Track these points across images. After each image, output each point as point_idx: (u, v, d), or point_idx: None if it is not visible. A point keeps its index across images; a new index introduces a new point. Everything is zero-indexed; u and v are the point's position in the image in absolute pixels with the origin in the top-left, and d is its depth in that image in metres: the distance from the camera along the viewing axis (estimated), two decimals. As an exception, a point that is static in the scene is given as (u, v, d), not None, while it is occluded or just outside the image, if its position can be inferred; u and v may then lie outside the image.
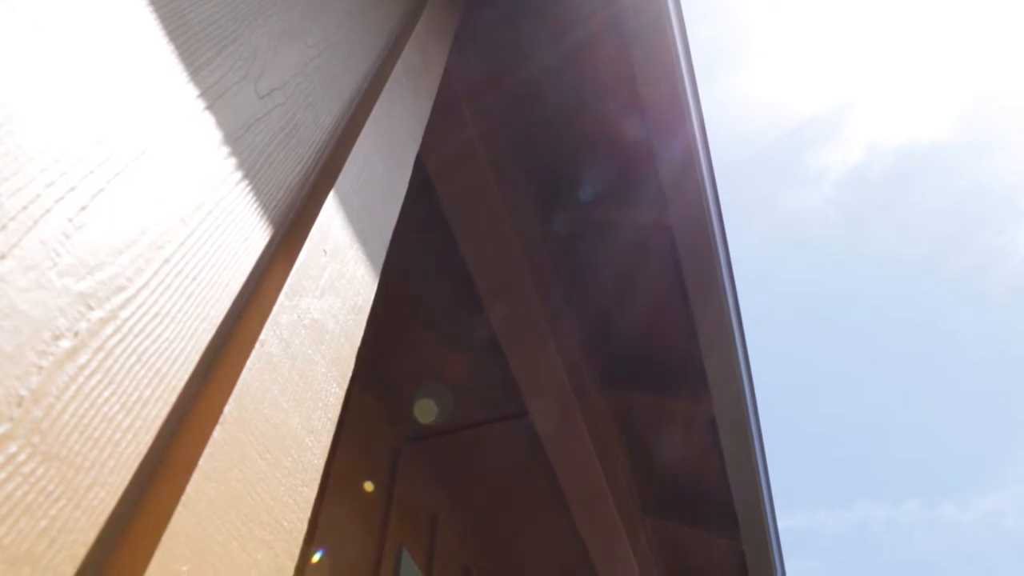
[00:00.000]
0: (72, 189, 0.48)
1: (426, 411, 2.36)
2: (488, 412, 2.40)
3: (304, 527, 0.53)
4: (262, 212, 0.69)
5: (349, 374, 0.66)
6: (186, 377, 0.52)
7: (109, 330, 0.47)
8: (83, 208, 0.48)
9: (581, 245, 2.19)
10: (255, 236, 0.67)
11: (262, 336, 0.56)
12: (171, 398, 0.50)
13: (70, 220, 0.47)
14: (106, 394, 0.45)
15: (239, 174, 0.68)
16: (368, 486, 2.19)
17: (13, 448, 0.38)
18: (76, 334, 0.44)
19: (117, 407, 0.46)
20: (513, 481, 2.58)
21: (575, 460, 2.27)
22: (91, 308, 0.46)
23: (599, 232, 2.15)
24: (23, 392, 0.40)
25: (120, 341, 0.47)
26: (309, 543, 1.82)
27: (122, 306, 0.48)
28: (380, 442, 2.35)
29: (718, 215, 2.08)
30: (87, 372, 0.44)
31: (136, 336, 0.49)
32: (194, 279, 0.56)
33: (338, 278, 0.72)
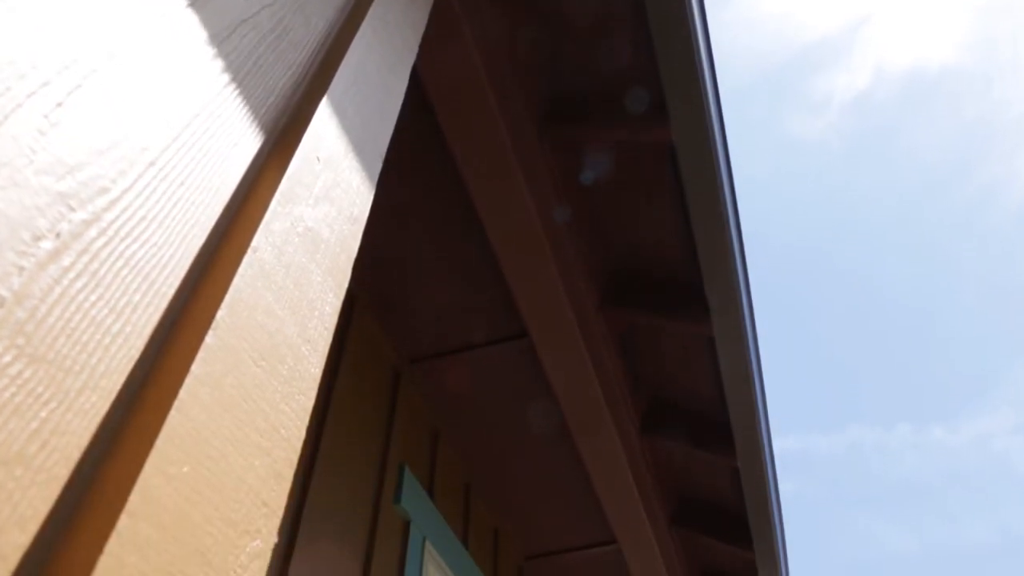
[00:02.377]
0: (46, 84, 0.45)
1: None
2: (488, 333, 2.41)
3: (302, 435, 0.53)
4: (252, 117, 0.66)
5: (346, 284, 0.65)
6: (177, 283, 0.50)
7: (93, 232, 0.45)
8: (59, 104, 0.46)
9: (582, 165, 2.15)
10: (245, 141, 0.64)
11: (254, 243, 0.55)
12: (162, 304, 0.48)
13: (45, 116, 0.44)
14: (92, 298, 0.43)
15: (226, 76, 0.65)
16: (369, 405, 2.22)
17: (-3, 349, 0.37)
18: (58, 235, 0.42)
19: (105, 311, 0.44)
20: (513, 402, 2.61)
21: (574, 380, 2.29)
22: (72, 209, 0.44)
23: (600, 151, 2.11)
24: (4, 293, 0.38)
25: (105, 244, 0.46)
26: (312, 460, 1.86)
27: (106, 208, 0.47)
28: (381, 363, 2.36)
29: (721, 133, 2.03)
30: (71, 275, 0.43)
31: (122, 240, 0.47)
32: (182, 183, 0.54)
33: (332, 186, 0.69)
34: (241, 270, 0.52)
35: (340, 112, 0.79)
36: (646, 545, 2.91)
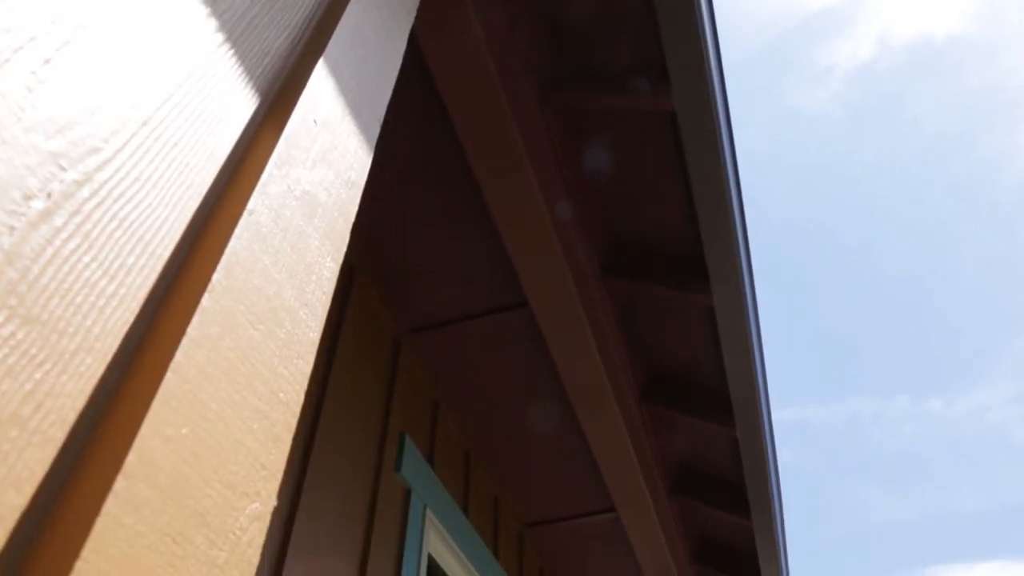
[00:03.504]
0: (32, 39, 0.44)
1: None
2: (488, 303, 2.40)
3: (301, 399, 0.52)
4: (247, 78, 0.65)
5: (344, 249, 0.64)
6: (172, 246, 0.50)
7: (85, 193, 0.44)
8: (47, 61, 0.44)
9: (582, 133, 2.12)
10: (241, 103, 0.63)
11: (250, 205, 0.54)
12: (157, 266, 0.48)
13: (33, 73, 0.43)
14: (86, 259, 0.43)
15: (220, 36, 0.63)
16: (369, 375, 2.23)
17: (-12, 309, 0.36)
18: (49, 195, 0.41)
19: (99, 273, 0.43)
20: (513, 371, 2.62)
21: (574, 350, 2.29)
22: (64, 169, 0.43)
23: (601, 119, 2.09)
24: (-5, 252, 0.38)
25: (98, 205, 0.45)
26: (312, 429, 1.86)
27: (98, 168, 0.46)
28: (381, 333, 2.36)
29: (724, 102, 2.01)
30: (64, 235, 0.42)
31: (115, 201, 0.46)
32: (176, 144, 0.53)
33: (330, 150, 0.68)
34: (237, 232, 0.52)
35: (337, 74, 0.77)
36: (645, 513, 2.94)
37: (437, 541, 2.50)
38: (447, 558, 2.60)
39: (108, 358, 0.42)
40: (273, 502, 0.46)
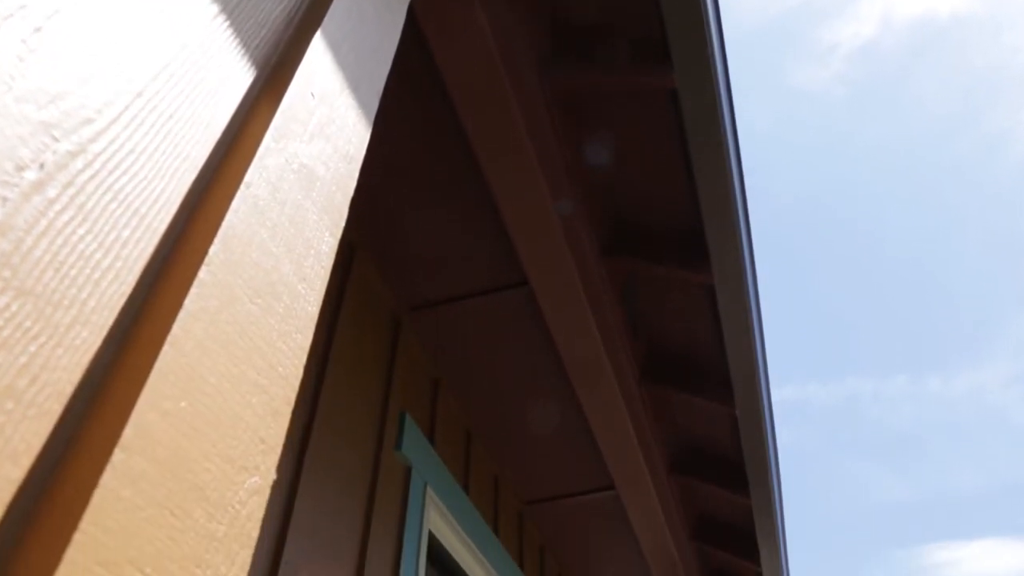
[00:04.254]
0: (23, 7, 0.43)
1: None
2: (488, 281, 2.40)
3: (299, 373, 0.52)
4: (243, 50, 0.64)
5: (342, 224, 0.64)
6: (168, 219, 0.49)
7: (79, 164, 0.43)
8: (38, 29, 0.44)
9: (583, 112, 2.11)
10: (237, 75, 0.62)
11: (247, 178, 0.53)
12: (153, 239, 0.47)
13: (23, 41, 0.42)
14: (81, 231, 0.42)
15: (215, 7, 0.62)
16: (369, 354, 2.23)
17: (-19, 281, 0.36)
18: (42, 166, 0.41)
19: (94, 246, 0.43)
20: (513, 350, 2.62)
21: (574, 329, 2.29)
22: (56, 140, 0.42)
23: (601, 97, 2.07)
24: (-13, 223, 0.37)
25: (92, 177, 0.44)
26: (313, 407, 1.87)
27: (92, 139, 0.45)
28: (381, 311, 2.36)
29: (725, 79, 1.99)
30: (57, 207, 0.41)
31: (110, 172, 0.46)
32: (171, 116, 0.53)
33: (327, 123, 0.67)
34: (234, 206, 0.51)
35: (334, 48, 0.76)
36: (644, 491, 2.96)
37: (438, 518, 2.51)
38: (448, 535, 2.62)
39: (104, 331, 0.42)
40: (272, 476, 0.46)
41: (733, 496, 3.25)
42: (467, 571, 2.81)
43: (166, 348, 0.41)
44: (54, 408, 0.38)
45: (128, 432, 0.37)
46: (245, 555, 0.42)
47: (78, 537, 0.33)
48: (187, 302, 0.43)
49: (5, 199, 0.38)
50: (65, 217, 0.41)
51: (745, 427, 2.78)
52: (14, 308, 0.37)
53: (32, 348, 0.37)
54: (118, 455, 0.36)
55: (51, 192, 0.41)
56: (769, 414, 2.92)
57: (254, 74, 0.65)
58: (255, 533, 0.44)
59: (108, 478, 0.35)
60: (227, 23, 0.63)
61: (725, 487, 3.22)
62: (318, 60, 0.72)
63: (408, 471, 2.30)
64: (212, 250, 0.47)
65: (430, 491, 2.41)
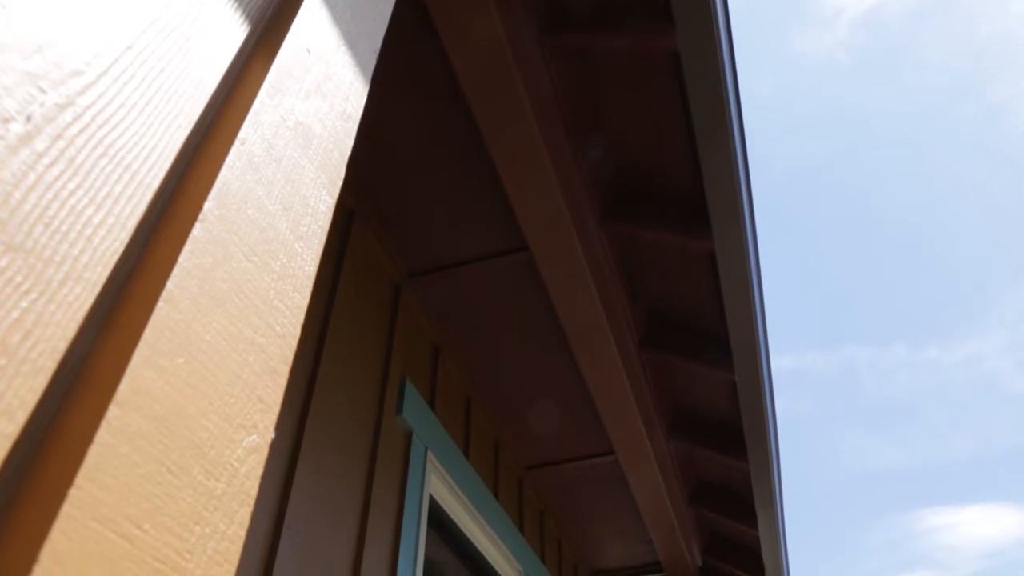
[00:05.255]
0: (7, -48, 0.42)
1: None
2: (488, 247, 2.39)
3: (297, 333, 0.51)
4: (237, 4, 0.63)
5: (340, 183, 0.63)
6: (162, 175, 0.48)
7: (68, 117, 0.42)
8: (23, -24, 0.42)
9: (583, 73, 2.08)
10: (231, 30, 0.60)
11: (242, 134, 0.52)
12: (146, 196, 0.46)
13: (8, -12, 0.41)
14: (71, 186, 0.41)
15: (206, -41, 0.61)
16: (368, 320, 2.23)
17: (-30, 235, 0.35)
18: (29, 118, 0.40)
19: (86, 201, 0.42)
20: (513, 316, 2.62)
21: (574, 295, 2.29)
22: (43, 91, 0.41)
23: (603, 59, 2.04)
24: (-26, 176, 0.36)
25: (82, 131, 0.43)
26: (313, 372, 1.87)
27: (80, 92, 0.44)
28: (380, 277, 2.35)
29: (728, 42, 1.96)
30: (46, 161, 0.40)
31: (100, 127, 0.44)
32: (163, 71, 0.51)
33: (324, 80, 0.66)
34: (229, 162, 0.50)
35: (331, 4, 0.74)
36: (643, 456, 2.98)
37: (438, 483, 2.54)
38: (448, 499, 2.64)
39: (98, 288, 0.41)
40: (271, 435, 0.46)
41: (731, 461, 3.28)
42: (468, 534, 2.84)
43: (160, 305, 0.41)
44: (48, 364, 0.37)
45: (123, 388, 0.37)
46: (244, 513, 0.42)
47: (74, 493, 0.33)
48: (181, 259, 0.43)
49: (-8, 151, 0.37)
50: (55, 171, 0.40)
51: (744, 393, 2.79)
52: (3, 263, 0.36)
53: (24, 304, 0.37)
54: (113, 411, 0.36)
55: (39, 145, 0.40)
56: (768, 380, 2.93)
57: (248, 29, 0.63)
58: (254, 491, 0.44)
59: (104, 434, 0.35)
60: (219, -24, 0.62)
61: (724, 452, 3.24)
62: (314, 16, 0.70)
63: (409, 436, 2.31)
64: (206, 207, 0.46)
65: (431, 456, 2.42)
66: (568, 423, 3.15)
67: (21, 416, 0.35)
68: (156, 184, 0.47)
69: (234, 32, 0.61)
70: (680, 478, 3.58)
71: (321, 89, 0.66)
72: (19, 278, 0.37)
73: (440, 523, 2.69)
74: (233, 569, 0.40)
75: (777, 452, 3.26)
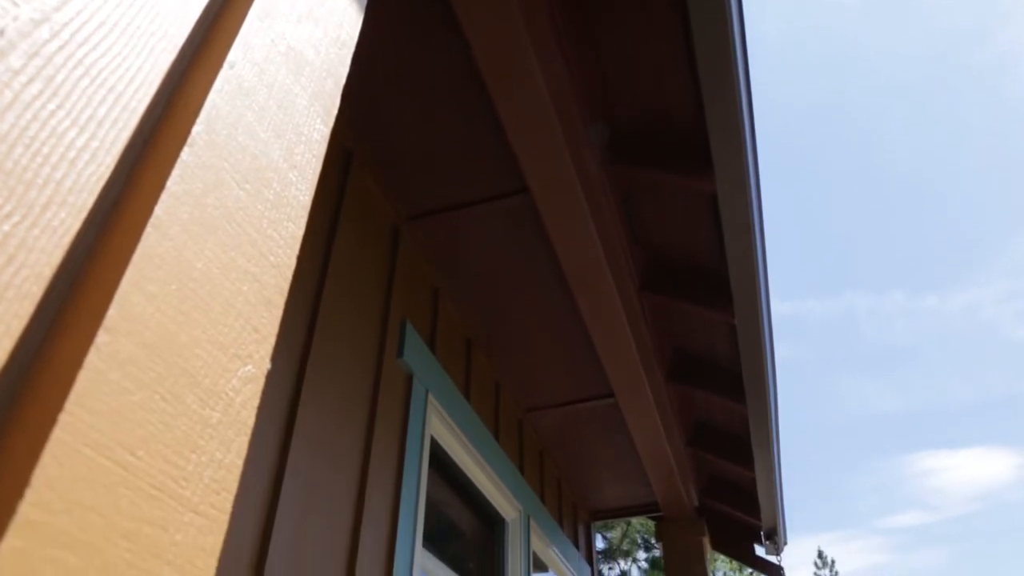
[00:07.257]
0: None
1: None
2: (488, 189, 2.36)
3: (292, 263, 0.50)
4: (221, -78, 0.59)
5: (334, 112, 0.61)
6: (147, 99, 0.46)
7: (44, 33, 0.40)
8: None
9: (586, 12, 2.02)
10: (215, -51, 0.57)
11: (231, 57, 0.50)
12: (132, 120, 0.44)
13: None
14: (51, 107, 0.39)
15: None
16: (368, 261, 2.21)
17: (-55, 154, 0.33)
18: (2, 32, 0.38)
19: (68, 123, 0.40)
20: (513, 257, 2.60)
21: (574, 236, 2.27)
22: (16, 5, 0.39)
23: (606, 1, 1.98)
24: (-53, 92, 0.34)
25: (60, 48, 0.41)
26: (313, 315, 1.87)
27: (56, 8, 0.41)
28: (380, 220, 2.33)
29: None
30: (23, 79, 0.38)
31: (80, 46, 0.42)
32: (145, -11, 0.49)
33: (317, 5, 0.63)
34: (217, 86, 0.48)
35: (321, -76, 0.71)
36: (642, 398, 3.01)
37: (439, 424, 2.56)
38: (449, 440, 2.67)
39: (84, 213, 0.39)
40: (267, 365, 0.45)
41: (730, 404, 3.31)
42: (469, 475, 2.88)
43: (149, 230, 0.39)
44: (34, 290, 0.36)
45: (112, 313, 0.36)
46: (241, 442, 0.42)
47: (64, 418, 0.32)
48: (169, 183, 0.41)
49: (-35, 67, 0.35)
50: (32, 91, 0.39)
51: (744, 336, 2.79)
52: (-17, 184, 0.35)
53: (6, 227, 0.35)
54: (102, 337, 0.35)
55: (15, 62, 0.38)
56: (768, 323, 2.93)
57: (235, -52, 0.60)
58: (251, 422, 0.43)
59: (93, 359, 0.34)
60: None
61: (722, 395, 3.27)
62: (304, -64, 0.67)
63: (409, 378, 2.33)
64: (195, 130, 0.44)
65: (431, 398, 2.44)
66: (568, 365, 3.17)
67: (7, 343, 0.34)
68: (142, 108, 0.45)
69: (220, -49, 0.58)
70: (679, 420, 3.62)
71: (314, 14, 0.63)
72: None
73: (441, 464, 2.72)
74: (231, 498, 0.40)
75: (775, 393, 3.29)
